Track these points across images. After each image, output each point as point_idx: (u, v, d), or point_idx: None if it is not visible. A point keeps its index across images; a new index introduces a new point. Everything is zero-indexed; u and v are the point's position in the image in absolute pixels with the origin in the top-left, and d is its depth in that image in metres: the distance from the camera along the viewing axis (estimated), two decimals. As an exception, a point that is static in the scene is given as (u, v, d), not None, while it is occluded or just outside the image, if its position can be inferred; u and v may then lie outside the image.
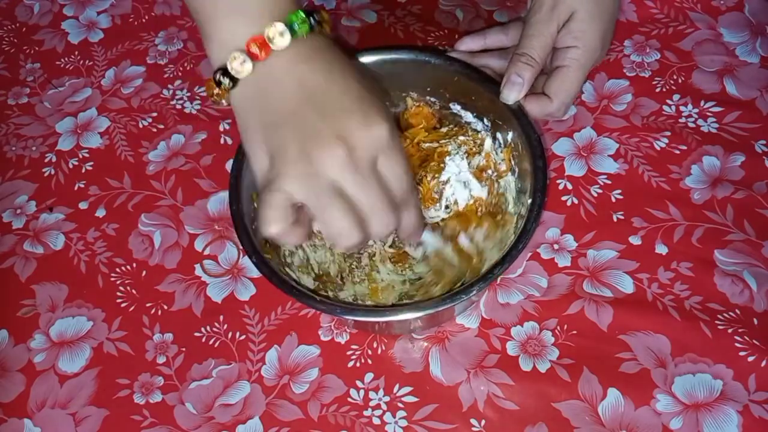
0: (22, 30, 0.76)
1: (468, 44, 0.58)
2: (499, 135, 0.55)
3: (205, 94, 0.69)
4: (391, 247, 0.55)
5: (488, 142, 0.56)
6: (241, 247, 0.50)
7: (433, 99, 0.58)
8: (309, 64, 0.40)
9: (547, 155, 0.51)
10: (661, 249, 0.56)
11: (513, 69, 0.52)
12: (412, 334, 0.54)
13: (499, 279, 0.55)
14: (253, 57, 0.39)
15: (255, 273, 0.58)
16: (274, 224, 0.40)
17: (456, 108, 0.57)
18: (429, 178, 0.55)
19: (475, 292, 0.45)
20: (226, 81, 0.40)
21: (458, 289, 0.46)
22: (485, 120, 0.56)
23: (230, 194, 0.50)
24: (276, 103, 0.40)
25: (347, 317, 0.48)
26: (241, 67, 0.40)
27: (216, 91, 0.41)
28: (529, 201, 0.49)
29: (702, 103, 0.63)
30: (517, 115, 0.52)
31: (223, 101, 0.42)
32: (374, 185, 0.40)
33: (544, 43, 0.52)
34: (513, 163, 0.55)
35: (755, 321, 0.52)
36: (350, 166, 0.39)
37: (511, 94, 0.52)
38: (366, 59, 0.55)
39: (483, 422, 0.51)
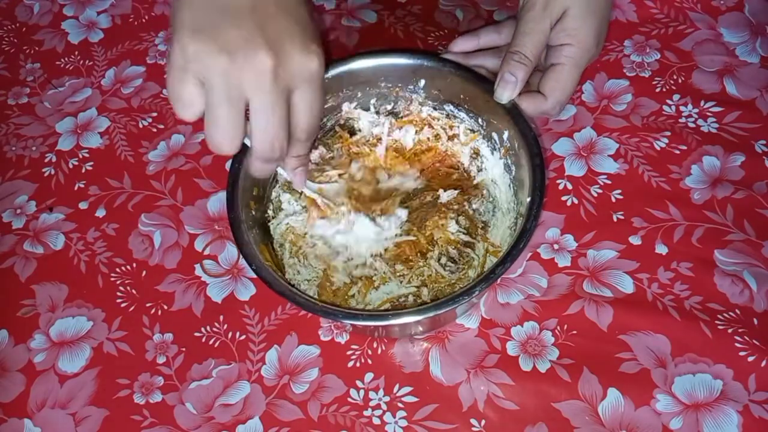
0: (22, 30, 0.76)
1: (461, 45, 0.58)
2: (494, 134, 0.55)
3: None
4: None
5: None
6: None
7: (430, 102, 0.58)
8: None
9: (546, 155, 0.51)
10: (661, 249, 0.56)
11: (506, 68, 0.52)
12: (413, 335, 0.54)
13: (499, 279, 0.55)
14: None
15: (254, 274, 0.58)
16: (190, 110, 0.40)
17: (450, 108, 0.57)
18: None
19: (476, 293, 0.45)
20: None
21: (460, 291, 0.46)
22: (480, 120, 0.56)
23: (228, 201, 0.50)
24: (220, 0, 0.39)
25: (348, 322, 0.48)
26: None
27: None
28: (528, 200, 0.49)
29: (702, 103, 0.63)
30: (512, 114, 0.52)
31: None
32: (279, 110, 0.40)
33: (537, 41, 0.52)
34: (510, 161, 0.55)
35: (755, 321, 0.52)
36: (270, 82, 0.38)
37: (504, 93, 0.52)
38: (361, 64, 0.55)
39: (483, 422, 0.51)
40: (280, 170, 0.49)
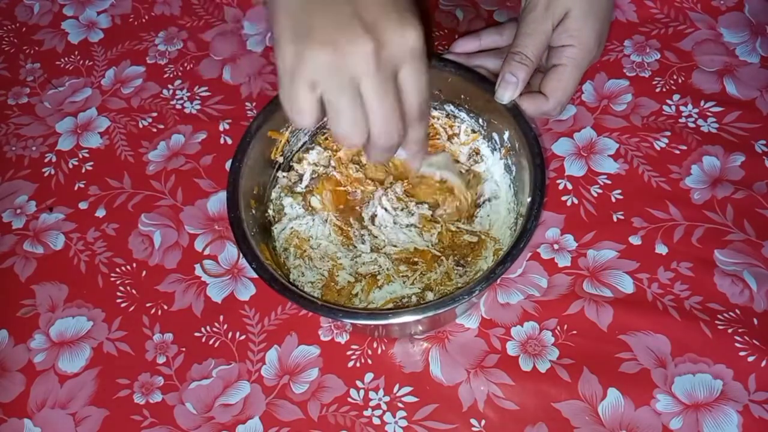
0: (22, 30, 0.76)
1: (463, 46, 0.58)
2: (495, 135, 0.55)
3: (206, 93, 0.69)
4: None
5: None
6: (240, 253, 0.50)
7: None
8: None
9: (546, 155, 0.51)
10: (661, 249, 0.56)
11: (507, 68, 0.52)
12: (413, 335, 0.54)
13: (499, 279, 0.55)
14: None
15: (255, 273, 0.58)
16: (307, 116, 0.39)
17: (450, 108, 0.57)
18: None
19: (476, 292, 0.45)
20: None
21: (460, 291, 0.46)
22: (480, 120, 0.56)
23: (228, 200, 0.50)
24: None
25: (348, 321, 0.48)
26: None
27: None
28: (528, 200, 0.49)
29: (702, 103, 0.63)
30: (513, 114, 0.52)
31: None
32: (391, 92, 0.39)
33: (539, 42, 0.52)
34: (510, 161, 0.55)
35: (755, 321, 0.52)
36: (375, 65, 0.37)
37: (505, 94, 0.52)
38: None
39: (483, 422, 0.51)
40: (401, 153, 0.48)
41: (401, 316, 0.46)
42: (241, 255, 0.59)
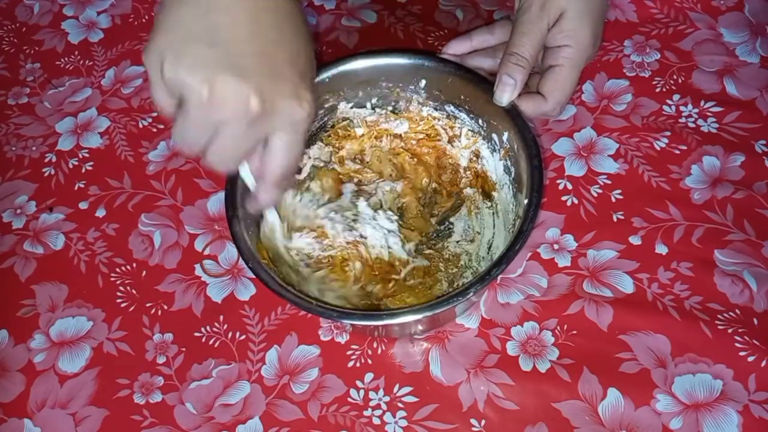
0: (22, 30, 0.76)
1: (455, 48, 0.57)
2: (494, 136, 0.55)
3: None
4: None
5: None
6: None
7: (431, 102, 0.58)
8: (269, 3, 0.39)
9: (545, 155, 0.51)
10: (661, 249, 0.56)
11: (504, 70, 0.52)
12: (413, 335, 0.54)
13: (498, 279, 0.55)
14: None
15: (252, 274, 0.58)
16: (166, 110, 0.40)
17: (450, 109, 0.57)
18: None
19: (472, 293, 0.45)
20: None
21: (456, 291, 0.46)
22: (480, 121, 0.56)
23: (226, 199, 0.50)
24: (220, 19, 0.38)
25: (346, 321, 0.48)
26: None
27: None
28: (525, 201, 0.49)
29: (702, 103, 0.63)
30: (512, 116, 0.52)
31: None
32: (244, 144, 0.40)
33: (535, 42, 0.52)
34: (509, 162, 0.54)
35: (755, 321, 0.52)
36: (245, 120, 0.38)
37: (504, 96, 0.52)
38: (362, 63, 0.55)
39: (483, 422, 0.51)
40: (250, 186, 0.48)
41: (397, 317, 0.46)
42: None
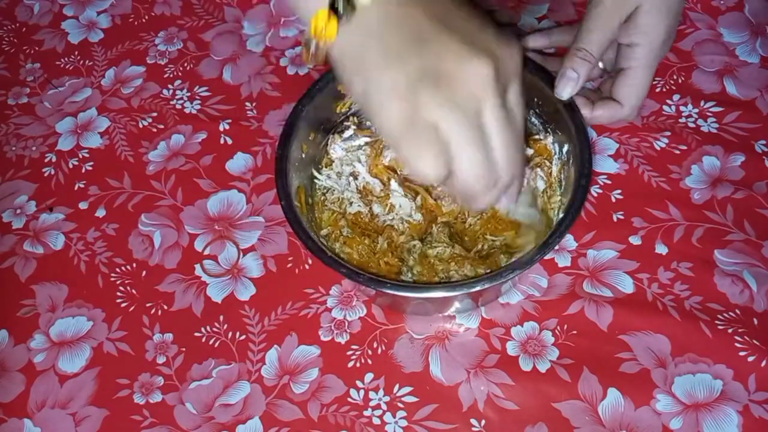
0: (22, 30, 0.76)
1: (534, 42, 0.56)
2: (556, 146, 0.54)
3: (206, 93, 0.69)
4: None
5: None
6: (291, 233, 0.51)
7: None
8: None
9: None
10: (661, 249, 0.56)
11: (569, 63, 0.50)
12: (413, 335, 0.54)
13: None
14: None
15: (255, 273, 0.58)
16: (431, 167, 0.35)
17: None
18: None
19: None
20: (341, 6, 0.34)
21: (500, 270, 0.46)
22: (548, 127, 0.55)
23: (282, 136, 0.51)
24: (400, 30, 0.34)
25: (391, 292, 0.47)
26: None
27: (324, 27, 0.34)
28: (561, 216, 0.48)
29: (702, 103, 0.63)
30: (577, 129, 0.50)
31: (322, 42, 0.35)
32: (511, 120, 0.35)
33: (604, 38, 0.50)
34: (562, 176, 0.54)
35: (755, 321, 0.52)
36: (497, 87, 0.34)
37: (566, 90, 0.50)
38: None
39: (483, 422, 0.51)
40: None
41: (441, 290, 0.46)
42: (241, 254, 0.59)
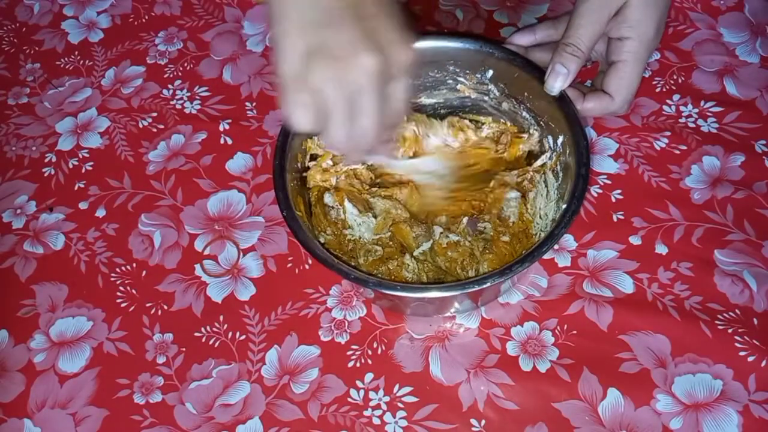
0: (22, 30, 0.76)
1: (519, 39, 0.56)
2: (550, 138, 0.55)
3: (206, 93, 0.69)
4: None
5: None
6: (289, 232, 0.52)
7: (490, 88, 0.57)
8: None
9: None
10: (661, 249, 0.56)
11: (558, 59, 0.50)
12: (413, 335, 0.54)
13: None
14: None
15: (255, 273, 0.58)
16: (306, 120, 0.40)
17: (512, 103, 0.57)
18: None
19: (489, 283, 0.46)
20: None
21: (501, 269, 0.46)
22: (541, 121, 0.55)
23: (278, 149, 0.52)
24: (321, 2, 0.39)
25: (389, 292, 0.47)
26: None
27: None
28: (564, 207, 0.48)
29: (702, 103, 0.63)
30: (570, 121, 0.51)
31: None
32: (383, 107, 0.41)
33: (593, 33, 0.50)
34: (558, 168, 0.54)
35: (755, 321, 0.52)
36: (378, 78, 0.39)
37: (555, 84, 0.51)
38: (428, 44, 0.55)
39: (483, 422, 0.51)
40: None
41: (439, 290, 0.46)
42: (241, 254, 0.59)
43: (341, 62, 0.39)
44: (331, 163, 0.57)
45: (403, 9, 0.42)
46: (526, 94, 0.55)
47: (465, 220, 0.55)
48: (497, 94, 0.57)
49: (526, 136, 0.57)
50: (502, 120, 0.59)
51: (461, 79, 0.57)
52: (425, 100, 0.59)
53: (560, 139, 0.53)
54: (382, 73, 0.39)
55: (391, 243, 0.55)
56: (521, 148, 0.57)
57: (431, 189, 0.57)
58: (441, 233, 0.54)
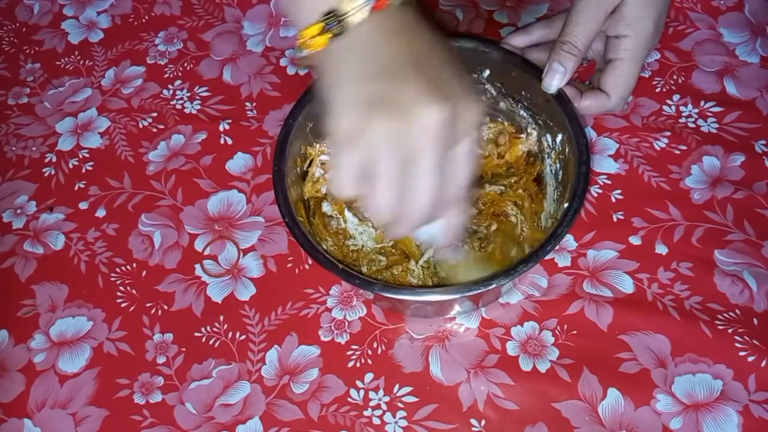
0: (22, 30, 0.76)
1: (514, 41, 0.56)
2: (548, 136, 0.55)
3: (206, 93, 0.69)
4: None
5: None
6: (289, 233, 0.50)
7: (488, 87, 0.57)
8: (416, 27, 0.38)
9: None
10: (661, 249, 0.56)
11: (555, 57, 0.50)
12: (413, 335, 0.54)
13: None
14: (373, 6, 0.36)
15: (255, 273, 0.58)
16: (349, 189, 0.37)
17: (509, 102, 0.57)
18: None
19: (494, 284, 0.46)
20: (334, 26, 0.36)
21: (475, 281, 0.46)
22: (539, 120, 0.55)
23: (276, 152, 0.51)
24: (381, 55, 0.36)
25: (395, 296, 0.47)
26: (358, 11, 0.36)
27: (314, 38, 0.36)
28: (566, 205, 0.48)
29: (702, 103, 0.63)
30: (569, 118, 0.51)
31: (310, 51, 0.37)
32: (444, 173, 0.37)
33: (589, 32, 0.50)
34: (558, 166, 0.54)
35: (755, 321, 0.52)
36: (443, 136, 0.35)
37: (552, 82, 0.51)
38: None
39: (483, 422, 0.51)
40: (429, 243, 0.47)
41: (437, 293, 0.46)
42: (241, 254, 0.59)
43: (404, 113, 0.35)
44: (322, 171, 0.56)
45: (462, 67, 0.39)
46: (523, 92, 0.55)
47: None
48: (494, 93, 0.57)
49: (524, 135, 0.57)
50: (499, 119, 0.59)
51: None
52: None
53: (559, 138, 0.53)
54: (447, 128, 0.35)
55: (394, 251, 0.55)
56: (521, 148, 0.57)
57: None
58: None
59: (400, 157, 0.36)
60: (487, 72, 0.56)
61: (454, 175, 0.38)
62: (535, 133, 0.56)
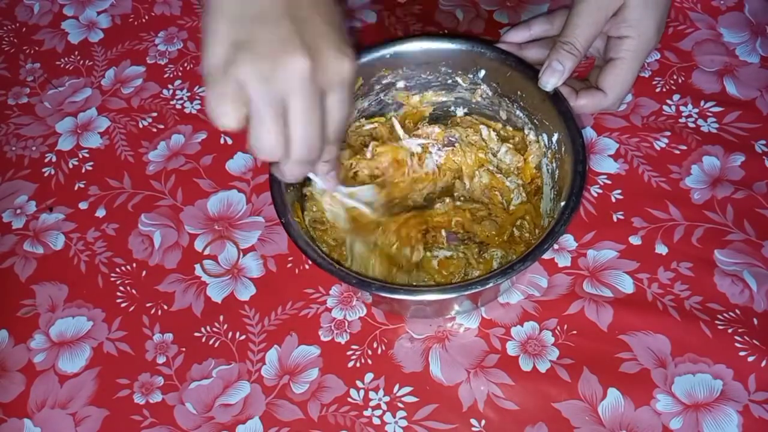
0: (22, 30, 0.76)
1: (513, 36, 0.56)
2: (545, 136, 0.55)
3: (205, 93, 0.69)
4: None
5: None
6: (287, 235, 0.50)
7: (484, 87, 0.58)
8: None
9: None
10: (661, 249, 0.56)
11: (555, 56, 0.50)
12: (413, 335, 0.54)
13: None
14: None
15: (255, 273, 0.58)
16: (229, 117, 0.38)
17: (505, 103, 0.57)
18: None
19: (491, 283, 0.46)
20: None
21: (468, 281, 0.46)
22: (534, 119, 0.55)
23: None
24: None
25: (388, 295, 0.47)
26: None
27: None
28: (563, 204, 0.48)
29: (702, 103, 0.63)
30: (565, 118, 0.51)
31: None
32: (317, 114, 0.39)
33: (590, 34, 0.50)
34: (555, 166, 0.54)
35: (755, 321, 0.52)
36: (309, 84, 0.38)
37: (550, 80, 0.51)
38: (419, 45, 0.55)
39: (483, 422, 0.51)
40: (312, 176, 0.49)
41: (435, 293, 0.46)
42: (241, 254, 0.59)
43: (267, 60, 0.37)
44: None
45: (343, 17, 0.41)
46: (519, 92, 0.55)
47: (444, 233, 0.55)
48: (490, 93, 0.57)
49: (528, 144, 0.57)
50: (497, 119, 0.59)
51: (455, 80, 0.57)
52: (423, 102, 0.60)
53: (555, 137, 0.53)
54: (311, 77, 0.38)
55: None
56: (531, 160, 0.57)
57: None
58: (425, 257, 0.54)
59: (271, 99, 0.38)
60: (483, 72, 0.56)
61: (329, 123, 0.40)
62: (531, 133, 0.56)
